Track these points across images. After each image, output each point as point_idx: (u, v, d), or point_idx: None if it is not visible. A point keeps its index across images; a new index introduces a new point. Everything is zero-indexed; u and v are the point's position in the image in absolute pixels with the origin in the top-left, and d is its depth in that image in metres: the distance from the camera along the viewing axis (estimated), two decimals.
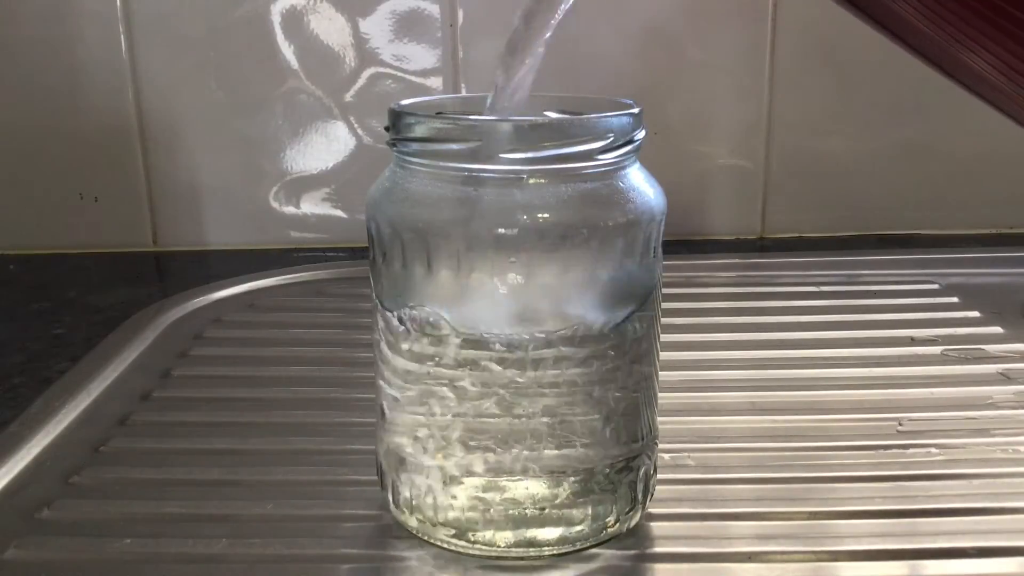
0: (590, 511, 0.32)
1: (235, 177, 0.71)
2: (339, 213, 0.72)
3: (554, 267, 0.30)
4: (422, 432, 0.32)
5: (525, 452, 0.31)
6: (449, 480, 0.32)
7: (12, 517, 0.35)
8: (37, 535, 0.34)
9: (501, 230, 0.29)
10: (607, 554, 0.33)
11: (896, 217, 0.74)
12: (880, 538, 0.34)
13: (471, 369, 0.30)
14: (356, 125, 0.71)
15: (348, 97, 0.70)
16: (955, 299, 0.58)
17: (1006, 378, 0.47)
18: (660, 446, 0.35)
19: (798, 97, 0.71)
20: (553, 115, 0.33)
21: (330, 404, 0.45)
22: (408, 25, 0.69)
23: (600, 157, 0.30)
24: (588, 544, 0.33)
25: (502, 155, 0.29)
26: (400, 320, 0.31)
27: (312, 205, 0.72)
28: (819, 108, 0.72)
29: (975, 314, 0.55)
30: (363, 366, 0.40)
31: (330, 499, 0.36)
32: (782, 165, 0.73)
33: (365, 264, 0.33)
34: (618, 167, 0.31)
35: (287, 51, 0.69)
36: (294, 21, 0.68)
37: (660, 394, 0.34)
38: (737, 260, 0.68)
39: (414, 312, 0.31)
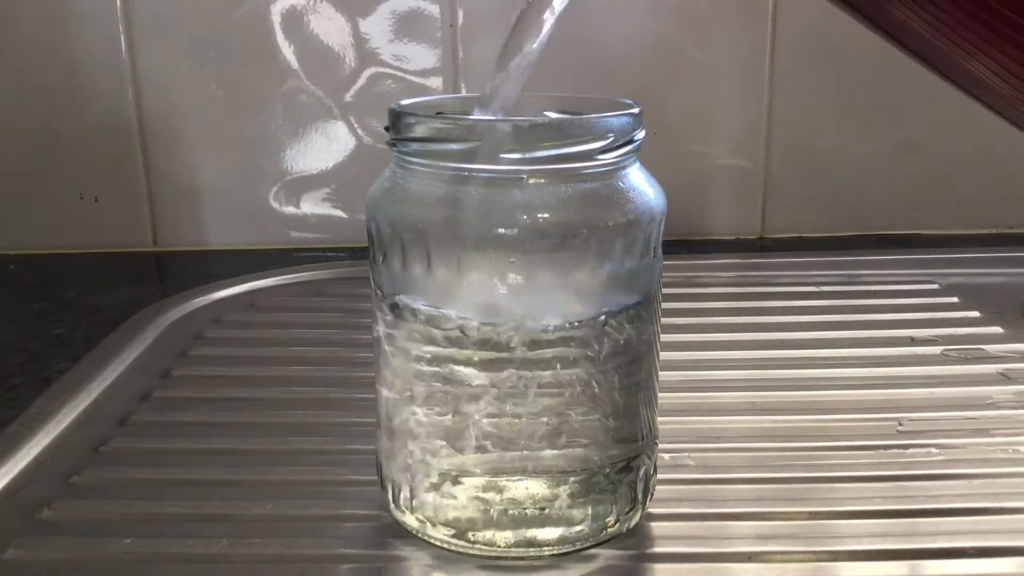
0: (590, 511, 0.32)
1: (235, 177, 0.71)
2: (339, 213, 0.72)
3: (554, 267, 0.30)
4: (422, 432, 0.32)
5: (525, 452, 0.31)
6: (449, 480, 0.32)
7: (12, 517, 0.35)
8: (37, 535, 0.34)
9: (501, 230, 0.29)
10: (607, 554, 0.33)
11: (896, 217, 0.74)
12: (880, 538, 0.34)
13: (471, 369, 0.30)
14: (356, 125, 0.71)
15: (348, 97, 0.70)
16: (955, 299, 0.58)
17: (1006, 378, 0.47)
18: (660, 446, 0.35)
19: (798, 97, 0.71)
20: (553, 115, 0.33)
21: (330, 404, 0.45)
22: (408, 25, 0.69)
23: (600, 157, 0.30)
24: (588, 544, 0.33)
25: (502, 155, 0.29)
26: (400, 320, 0.31)
27: (312, 205, 0.72)
28: (819, 108, 0.72)
29: (975, 314, 0.55)
30: (363, 366, 0.40)
31: (330, 499, 0.36)
32: (782, 165, 0.73)
33: (365, 264, 0.33)
34: (618, 167, 0.31)
35: (287, 51, 0.69)
36: (294, 21, 0.68)
37: (660, 394, 0.34)
38: (737, 260, 0.68)
39: (414, 312, 0.31)
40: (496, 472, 0.31)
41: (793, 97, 0.71)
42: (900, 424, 0.42)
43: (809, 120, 0.72)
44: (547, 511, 0.31)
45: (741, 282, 0.64)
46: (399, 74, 0.70)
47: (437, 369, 0.31)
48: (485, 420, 0.31)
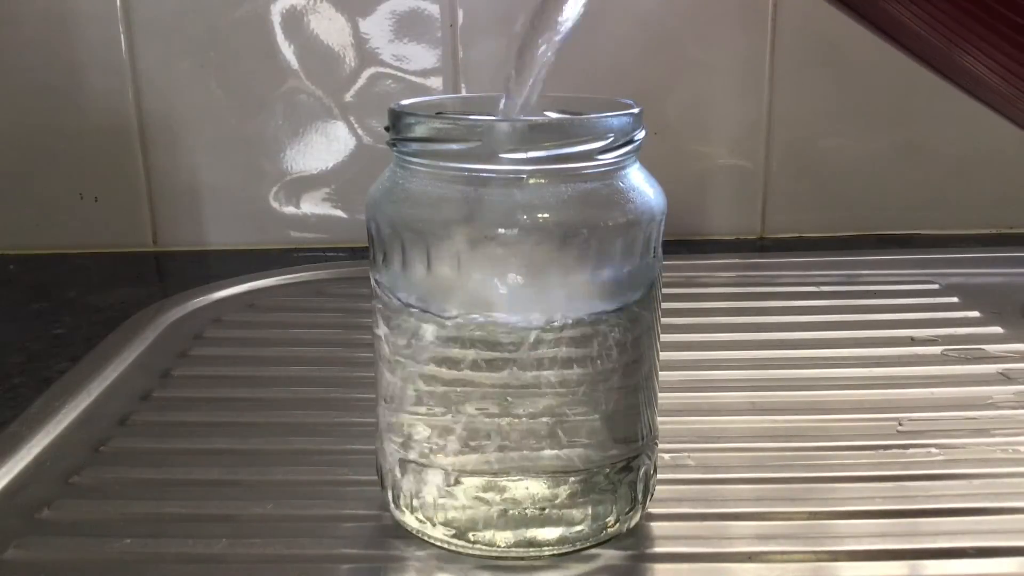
0: (590, 511, 0.32)
1: (235, 177, 0.71)
2: (339, 213, 0.72)
3: (554, 267, 0.30)
4: (422, 432, 0.32)
5: (525, 452, 0.31)
6: (449, 480, 0.32)
7: (12, 517, 0.35)
8: (37, 535, 0.34)
9: (501, 230, 0.29)
10: (607, 554, 0.33)
11: (896, 217, 0.74)
12: (880, 538, 0.34)
13: (471, 369, 0.30)
14: (356, 125, 0.71)
15: (348, 97, 0.70)
16: (955, 299, 0.58)
17: (1006, 378, 0.46)
18: (660, 446, 0.35)
19: (798, 97, 0.71)
20: (553, 115, 0.33)
21: (330, 404, 0.45)
22: (408, 25, 0.69)
23: (600, 157, 0.30)
24: (588, 544, 0.33)
25: (502, 155, 0.29)
26: (400, 320, 0.31)
27: (312, 205, 0.72)
28: (819, 108, 0.72)
29: (975, 314, 0.55)
30: (363, 366, 0.40)
31: (330, 499, 0.36)
32: (782, 165, 0.73)
33: (365, 264, 0.33)
34: (618, 167, 0.31)
35: (287, 51, 0.69)
36: (294, 21, 0.68)
37: (660, 394, 0.34)
38: (737, 260, 0.68)
39: (414, 312, 0.31)
40: (496, 472, 0.31)
41: (793, 97, 0.71)
42: (900, 424, 0.42)
43: (809, 120, 0.72)
44: (547, 511, 0.31)
45: (741, 282, 0.64)
46: (399, 74, 0.70)
47: (437, 369, 0.31)
48: (485, 420, 0.31)
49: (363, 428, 0.39)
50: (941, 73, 0.42)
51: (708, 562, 0.33)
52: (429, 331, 0.31)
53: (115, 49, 0.68)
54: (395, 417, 0.33)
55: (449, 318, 0.30)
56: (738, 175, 0.73)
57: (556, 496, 0.31)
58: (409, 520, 0.33)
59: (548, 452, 0.31)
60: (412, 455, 0.32)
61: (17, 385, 0.47)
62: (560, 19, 0.31)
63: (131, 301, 0.59)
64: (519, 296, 0.30)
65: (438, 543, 0.33)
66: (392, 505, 0.34)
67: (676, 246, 0.68)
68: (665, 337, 0.34)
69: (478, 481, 0.31)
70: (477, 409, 0.31)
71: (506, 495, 0.31)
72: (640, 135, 0.31)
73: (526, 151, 0.29)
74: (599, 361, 0.31)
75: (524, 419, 0.31)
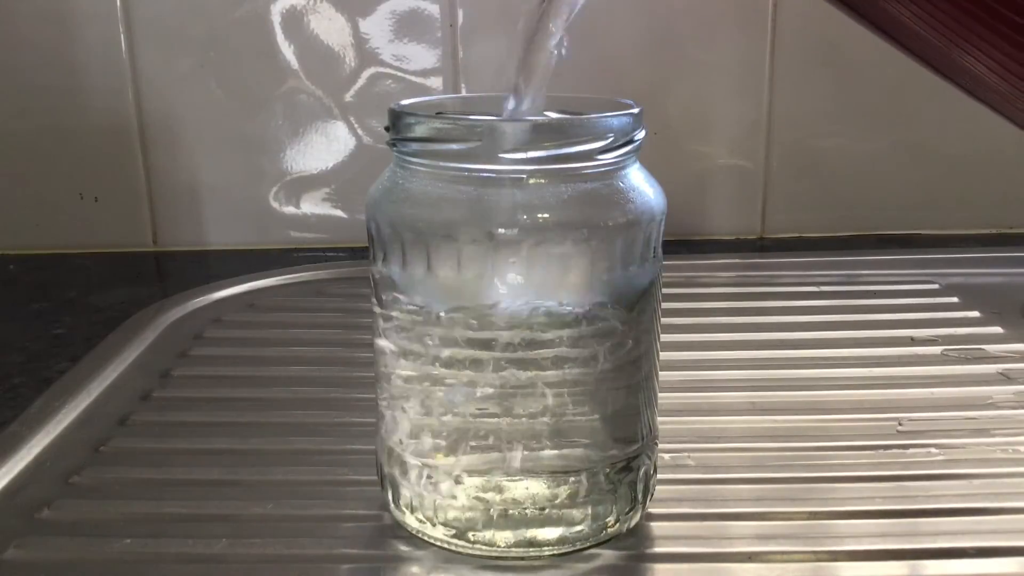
0: (590, 511, 0.32)
1: (235, 177, 0.71)
2: (339, 213, 0.72)
3: (554, 267, 0.30)
4: (422, 432, 0.32)
5: (525, 452, 0.31)
6: (449, 480, 0.32)
7: (12, 517, 0.35)
8: (37, 535, 0.34)
9: (501, 230, 0.29)
10: (607, 554, 0.33)
11: (896, 217, 0.74)
12: (880, 538, 0.34)
13: (471, 369, 0.30)
14: (356, 125, 0.71)
15: (348, 97, 0.70)
16: (955, 299, 0.58)
17: (1006, 378, 0.47)
18: (660, 446, 0.35)
19: (798, 97, 0.71)
20: (553, 115, 0.33)
21: (330, 404, 0.45)
22: (408, 25, 0.69)
23: (600, 157, 0.30)
24: (588, 544, 0.33)
25: (502, 155, 0.29)
26: (400, 320, 0.31)
27: (312, 205, 0.72)
28: (819, 108, 0.72)
29: (975, 314, 0.55)
30: (363, 366, 0.40)
31: (330, 499, 0.36)
32: (782, 165, 0.73)
33: (365, 264, 0.33)
34: (618, 167, 0.31)
35: (287, 51, 0.69)
36: (294, 21, 0.68)
37: (660, 394, 0.34)
38: (737, 260, 0.68)
39: (414, 312, 0.31)
40: (496, 472, 0.31)
41: (793, 97, 0.71)
42: (900, 424, 0.42)
43: (809, 120, 0.72)
44: (547, 511, 0.31)
45: (741, 282, 0.64)
46: (399, 74, 0.70)
47: (437, 368, 0.31)
48: (485, 420, 0.31)
49: (363, 428, 0.39)
50: (941, 72, 0.42)
51: (708, 562, 0.33)
52: (429, 331, 0.31)
53: (115, 49, 0.68)
54: (395, 417, 0.33)
55: (449, 318, 0.30)
56: (738, 175, 0.73)
57: (556, 496, 0.31)
58: (409, 520, 0.33)
59: (548, 452, 0.31)
60: (412, 455, 0.32)
61: (17, 385, 0.47)
62: (564, 19, 0.31)
63: (131, 301, 0.59)
64: (519, 296, 0.30)
65: (438, 543, 0.33)
66: (392, 505, 0.34)
67: (676, 246, 0.68)
68: (665, 337, 0.34)
69: (478, 481, 0.31)
70: (477, 409, 0.31)
71: (506, 495, 0.31)
72: (640, 135, 0.31)
73: (526, 151, 0.29)
74: (599, 361, 0.31)
75: (524, 419, 0.31)
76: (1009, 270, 0.64)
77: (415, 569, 0.33)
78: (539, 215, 0.29)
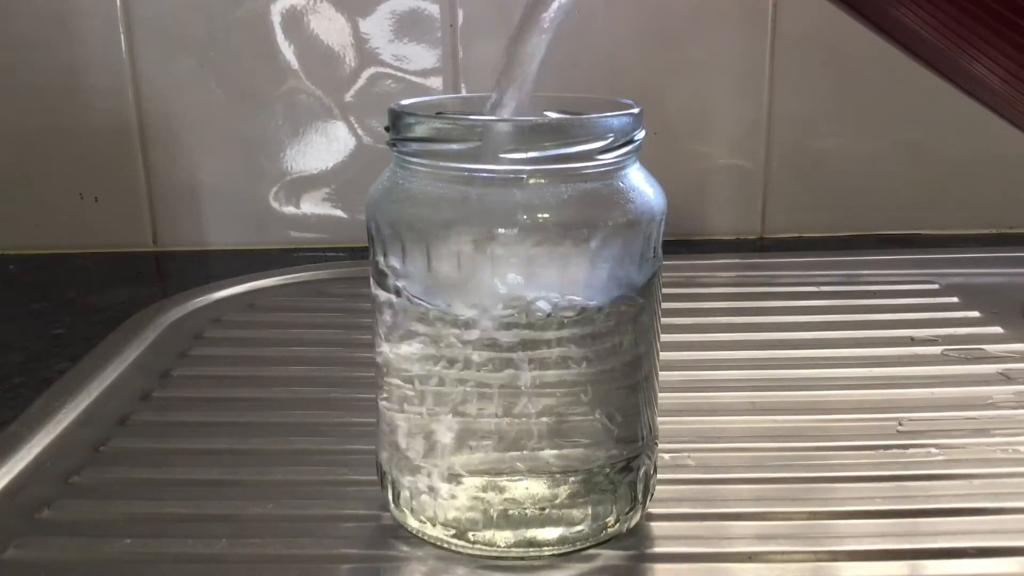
0: (590, 511, 0.32)
1: (235, 177, 0.71)
2: (339, 213, 0.72)
3: (554, 267, 0.30)
4: (422, 431, 0.32)
5: (525, 452, 0.31)
6: (449, 480, 0.32)
7: (12, 517, 0.35)
8: (37, 535, 0.34)
9: (501, 230, 0.29)
10: (607, 554, 0.33)
11: (896, 217, 0.74)
12: (880, 538, 0.34)
13: (471, 368, 0.30)
14: (356, 125, 0.71)
15: (348, 97, 0.70)
16: (955, 299, 0.58)
17: (1006, 378, 0.46)
18: (660, 446, 0.35)
19: (798, 97, 0.71)
20: (553, 115, 0.33)
21: (330, 404, 0.45)
22: (408, 25, 0.69)
23: (600, 157, 0.30)
24: (588, 544, 0.33)
25: (502, 155, 0.29)
26: (400, 320, 0.31)
27: (312, 205, 0.72)
28: (819, 108, 0.72)
29: (975, 314, 0.55)
30: (363, 366, 0.40)
31: (330, 499, 0.36)
32: (782, 165, 0.73)
33: (365, 264, 0.33)
34: (618, 167, 0.31)
35: (287, 51, 0.69)
36: (294, 21, 0.68)
37: (660, 394, 0.34)
38: (737, 260, 0.68)
39: (413, 312, 0.31)
40: (496, 472, 0.31)
41: (793, 97, 0.71)
42: (900, 424, 0.42)
43: (809, 120, 0.72)
44: (547, 511, 0.31)
45: (741, 282, 0.64)
46: (399, 74, 0.70)
47: (437, 368, 0.31)
48: (485, 420, 0.31)
49: (363, 428, 0.39)
50: (941, 73, 0.42)
51: (708, 562, 0.33)
52: (429, 331, 0.31)
53: (115, 49, 0.68)
54: (395, 417, 0.33)
55: (449, 317, 0.30)
56: (738, 175, 0.73)
57: (556, 496, 0.31)
58: (409, 520, 0.33)
59: (548, 452, 0.31)
60: (412, 455, 0.32)
61: (17, 385, 0.47)
62: (546, 16, 0.31)
63: (131, 301, 0.59)
64: (519, 296, 0.30)
65: (438, 543, 0.33)
66: (392, 505, 0.34)
67: (676, 246, 0.68)
68: (665, 337, 0.34)
69: (478, 481, 0.31)
70: (477, 409, 0.31)
71: (506, 495, 0.31)
72: (640, 135, 0.31)
73: (526, 151, 0.29)
74: (599, 361, 0.31)
75: (524, 419, 0.31)
76: (1009, 270, 0.64)
77: (415, 569, 0.33)
78: (539, 215, 0.29)
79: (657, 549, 0.33)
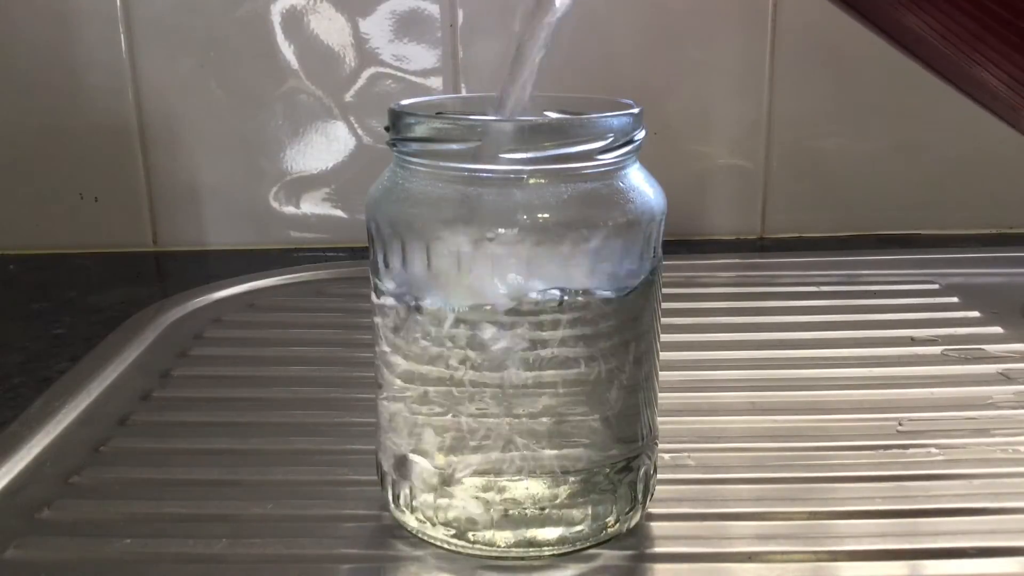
0: (590, 511, 0.32)
1: (235, 177, 0.71)
2: (339, 213, 0.72)
3: (554, 267, 0.30)
4: (422, 432, 0.32)
5: (525, 452, 0.31)
6: (449, 480, 0.32)
7: (12, 517, 0.35)
8: (37, 535, 0.34)
9: (501, 230, 0.29)
10: (607, 554, 0.33)
11: (896, 217, 0.74)
12: (880, 538, 0.34)
13: (471, 368, 0.30)
14: (356, 125, 0.71)
15: (348, 97, 0.70)
16: (955, 299, 0.58)
17: (1006, 378, 0.46)
18: (660, 446, 0.35)
19: (798, 97, 0.71)
20: (553, 115, 0.33)
21: (330, 404, 0.45)
22: (408, 25, 0.69)
23: (600, 157, 0.30)
24: (588, 544, 0.33)
25: (502, 155, 0.29)
26: (399, 320, 0.31)
27: (312, 205, 0.72)
28: (819, 108, 0.72)
29: (975, 314, 0.55)
30: (363, 366, 0.40)
31: (330, 499, 0.36)
32: (782, 165, 0.73)
33: (365, 264, 0.33)
34: (618, 167, 0.31)
35: (287, 51, 0.69)
36: (294, 21, 0.68)
37: (660, 394, 0.34)
38: (737, 260, 0.68)
39: (413, 312, 0.31)
40: (496, 472, 0.31)
41: (793, 97, 0.71)
42: (900, 424, 0.42)
43: (809, 120, 0.72)
44: (547, 511, 0.31)
45: (741, 282, 0.64)
46: (399, 74, 0.70)
47: (437, 369, 0.31)
48: (485, 420, 0.31)
49: (363, 428, 0.39)
50: (943, 76, 0.41)
51: (708, 562, 0.33)
52: (429, 331, 0.31)
53: (115, 49, 0.68)
54: (395, 416, 0.33)
55: (448, 318, 0.30)
56: (738, 175, 0.73)
57: (556, 496, 0.31)
58: (409, 520, 0.33)
59: (548, 452, 0.31)
60: (412, 455, 0.32)
61: (17, 385, 0.47)
62: (548, 19, 0.31)
63: (131, 301, 0.59)
64: (518, 296, 0.30)
65: (438, 543, 0.33)
66: (392, 505, 0.34)
67: (676, 246, 0.68)
68: (665, 337, 0.34)
69: (478, 481, 0.31)
70: (477, 409, 0.31)
71: (506, 495, 0.31)
72: (640, 135, 0.31)
73: (526, 151, 0.29)
74: (599, 361, 0.31)
75: (524, 419, 0.31)
76: (1009, 270, 0.64)
77: (415, 569, 0.33)
78: (539, 215, 0.29)
79: (657, 549, 0.33)
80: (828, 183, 0.73)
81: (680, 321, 0.53)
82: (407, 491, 0.33)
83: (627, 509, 0.33)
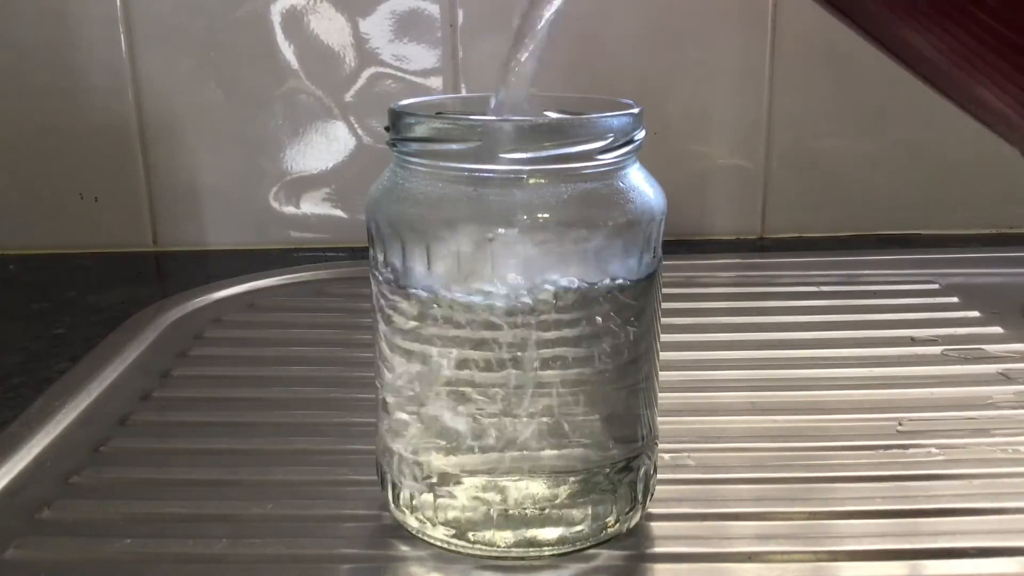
0: (590, 511, 0.32)
1: (235, 177, 0.71)
2: (339, 213, 0.72)
3: (554, 267, 0.30)
4: (422, 432, 0.32)
5: (525, 452, 0.31)
6: (449, 480, 0.32)
7: (12, 517, 0.35)
8: (37, 535, 0.34)
9: (501, 230, 0.29)
10: (607, 554, 0.33)
11: (896, 217, 0.74)
12: (880, 538, 0.34)
13: (471, 368, 0.30)
14: (356, 125, 0.71)
15: (348, 97, 0.70)
16: (955, 299, 0.58)
17: (1006, 378, 0.46)
18: (660, 446, 0.35)
19: (798, 97, 0.71)
20: (553, 115, 0.33)
21: (330, 404, 0.45)
22: (408, 25, 0.69)
23: (600, 157, 0.30)
24: (588, 544, 0.33)
25: (502, 155, 0.29)
26: (399, 320, 0.31)
27: (312, 205, 0.72)
28: (819, 108, 0.72)
29: (975, 314, 0.55)
30: (363, 366, 0.40)
31: (330, 499, 0.36)
32: (782, 165, 0.73)
33: (365, 264, 0.33)
34: (618, 167, 0.31)
35: (287, 51, 0.69)
36: (294, 21, 0.68)
37: (660, 394, 0.34)
38: (737, 260, 0.68)
39: (413, 312, 0.31)
40: (496, 472, 0.31)
41: (793, 97, 0.71)
42: (900, 424, 0.42)
43: (809, 120, 0.72)
44: (547, 511, 0.31)
45: (741, 282, 0.64)
46: (399, 74, 0.69)
47: (436, 369, 0.31)
48: (485, 420, 0.31)
49: (363, 428, 0.39)
50: (943, 93, 0.41)
51: (708, 562, 0.33)
52: (428, 330, 0.31)
53: (115, 49, 0.68)
54: (395, 417, 0.33)
55: (448, 317, 0.30)
56: (738, 175, 0.73)
57: (556, 496, 0.31)
58: (409, 520, 0.33)
59: (548, 452, 0.31)
60: (412, 455, 0.32)
61: (17, 385, 0.47)
62: (543, 15, 0.31)
63: (131, 301, 0.59)
64: (518, 296, 0.30)
65: (438, 543, 0.33)
66: (392, 505, 0.34)
67: (676, 246, 0.68)
68: (665, 337, 0.34)
69: (478, 481, 0.31)
70: (477, 409, 0.31)
71: (506, 495, 0.31)
72: (640, 135, 0.31)
73: (526, 151, 0.29)
74: (599, 361, 0.31)
75: (524, 419, 0.31)
76: (1009, 270, 0.64)
77: (415, 569, 0.33)
78: (539, 215, 0.29)
79: (657, 549, 0.33)
80: (828, 183, 0.73)
81: (680, 321, 0.53)
82: (407, 491, 0.33)
83: (627, 509, 0.33)
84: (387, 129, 0.31)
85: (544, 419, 0.31)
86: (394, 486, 0.33)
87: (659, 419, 0.34)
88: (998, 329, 0.53)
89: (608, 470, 0.32)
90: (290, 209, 0.72)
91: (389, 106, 0.31)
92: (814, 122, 0.72)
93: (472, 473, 0.31)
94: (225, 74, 0.69)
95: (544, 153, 0.29)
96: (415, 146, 0.30)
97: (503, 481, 0.31)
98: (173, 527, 0.35)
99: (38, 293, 0.63)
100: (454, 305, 0.30)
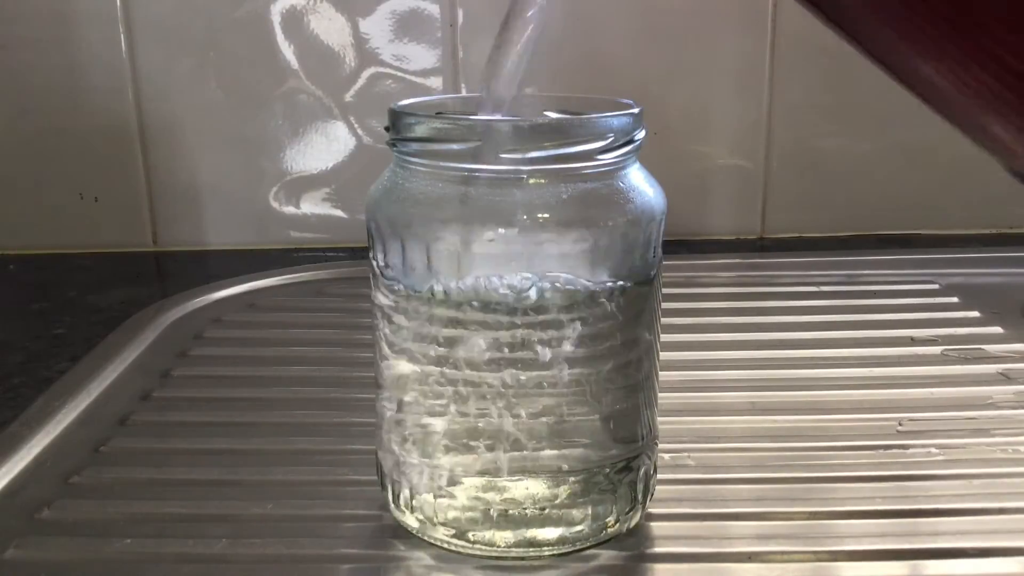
0: (590, 511, 0.32)
1: (235, 177, 0.71)
2: (339, 213, 0.72)
3: (553, 267, 0.30)
4: (422, 432, 0.32)
5: (525, 452, 0.31)
6: (449, 480, 0.32)
7: (12, 517, 0.35)
8: (37, 535, 0.34)
9: (501, 230, 0.29)
10: (607, 554, 0.33)
11: (896, 217, 0.74)
12: (880, 538, 0.34)
13: (470, 368, 0.30)
14: (356, 125, 0.71)
15: (348, 97, 0.70)
16: (955, 299, 0.58)
17: (1006, 378, 0.46)
18: (660, 446, 0.35)
19: (798, 97, 0.71)
20: (553, 115, 0.33)
21: (330, 404, 0.45)
22: (408, 25, 0.69)
23: (600, 157, 0.30)
24: (588, 544, 0.33)
25: (502, 155, 0.29)
26: (399, 320, 0.31)
27: (312, 205, 0.72)
28: (819, 108, 0.72)
29: (975, 314, 0.55)
30: (363, 366, 0.40)
31: (330, 499, 0.36)
32: (782, 165, 0.73)
33: (365, 264, 0.33)
34: (618, 167, 0.31)
35: (287, 51, 0.69)
36: (294, 21, 0.68)
37: (660, 394, 0.34)
38: (737, 260, 0.68)
39: (413, 311, 0.31)
40: (496, 472, 0.31)
41: (793, 97, 0.71)
42: (900, 424, 0.42)
43: (809, 120, 0.72)
44: (547, 511, 0.31)
45: (741, 282, 0.64)
46: (399, 74, 0.69)
47: (436, 369, 0.31)
48: (485, 420, 0.31)
49: (363, 428, 0.39)
50: (940, 112, 0.41)
51: (708, 562, 0.33)
52: (428, 330, 0.31)
53: (115, 49, 0.68)
54: (395, 417, 0.33)
55: (448, 318, 0.30)
56: (738, 175, 0.73)
57: (556, 496, 0.31)
58: (409, 520, 0.33)
59: (548, 452, 0.31)
60: (412, 455, 0.32)
61: (17, 385, 0.47)
62: (529, 14, 0.31)
63: (131, 301, 0.59)
64: (518, 296, 0.30)
65: (438, 543, 0.33)
66: (392, 505, 0.34)
67: (676, 246, 0.68)
68: (665, 337, 0.34)
69: (478, 481, 0.31)
70: (477, 409, 0.31)
71: (506, 495, 0.31)
72: (640, 135, 0.31)
73: (526, 151, 0.29)
74: (599, 361, 0.31)
75: (524, 419, 0.31)
76: (1009, 270, 0.64)
77: (415, 569, 0.33)
78: (539, 215, 0.29)
79: (657, 549, 0.33)
80: (828, 183, 0.73)
81: (680, 321, 0.53)
82: (407, 491, 0.33)
83: (627, 509, 0.33)
84: (387, 129, 0.31)
85: (544, 419, 0.31)
86: (394, 486, 0.33)
87: (659, 419, 0.34)
88: (998, 329, 0.53)
89: (608, 470, 0.32)
90: (290, 209, 0.72)
91: (389, 106, 0.31)
92: (814, 122, 0.72)
93: (472, 473, 0.31)
94: (225, 74, 0.69)
95: (544, 153, 0.29)
96: (415, 146, 0.30)
97: (503, 481, 0.31)
98: (173, 527, 0.35)
99: (38, 293, 0.63)
100: (453, 304, 0.30)
